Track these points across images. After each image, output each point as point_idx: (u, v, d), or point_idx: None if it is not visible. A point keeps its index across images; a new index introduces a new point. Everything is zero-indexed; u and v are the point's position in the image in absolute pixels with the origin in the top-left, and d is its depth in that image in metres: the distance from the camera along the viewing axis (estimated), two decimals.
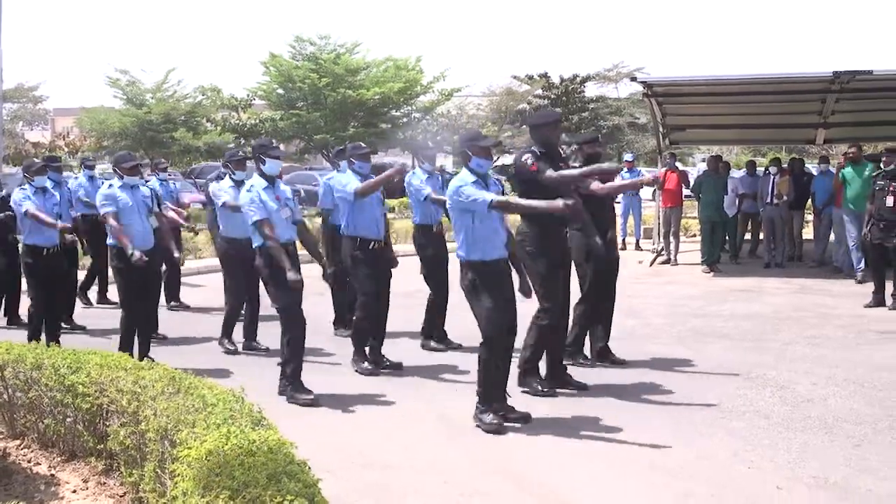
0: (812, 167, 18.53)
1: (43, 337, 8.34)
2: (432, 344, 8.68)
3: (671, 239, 15.73)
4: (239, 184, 8.55)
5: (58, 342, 7.98)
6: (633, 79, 19.06)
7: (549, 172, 6.63)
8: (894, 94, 15.47)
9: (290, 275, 6.73)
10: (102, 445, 4.87)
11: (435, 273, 8.58)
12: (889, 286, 10.74)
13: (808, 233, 16.60)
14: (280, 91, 32.09)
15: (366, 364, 7.82)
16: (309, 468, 3.30)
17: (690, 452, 5.56)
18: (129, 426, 4.44)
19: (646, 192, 21.02)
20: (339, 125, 30.69)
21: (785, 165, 16.50)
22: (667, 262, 15.63)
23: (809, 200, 15.78)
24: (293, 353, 6.91)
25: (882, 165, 11.07)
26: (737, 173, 20.31)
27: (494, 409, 6.12)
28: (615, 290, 8.02)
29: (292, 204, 7.18)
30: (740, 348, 8.58)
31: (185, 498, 3.26)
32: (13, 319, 10.18)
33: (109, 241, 7.98)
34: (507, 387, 6.31)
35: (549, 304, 6.81)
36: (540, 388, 6.98)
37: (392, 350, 8.15)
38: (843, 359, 8.03)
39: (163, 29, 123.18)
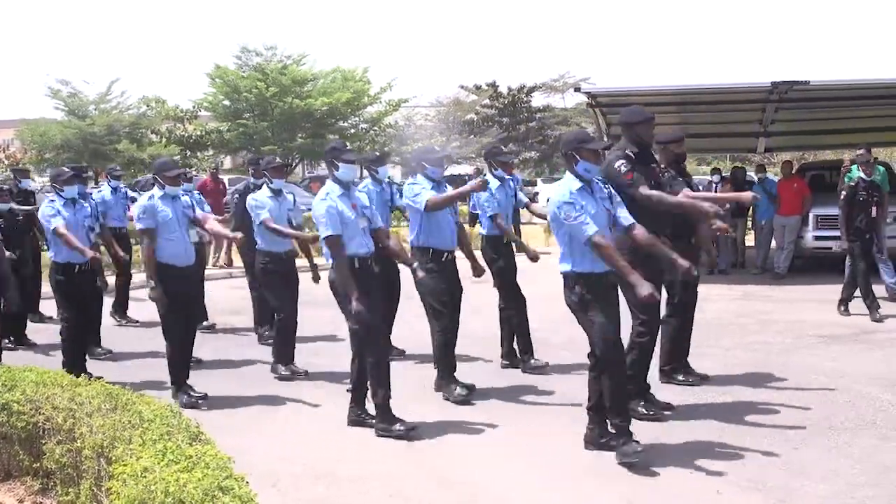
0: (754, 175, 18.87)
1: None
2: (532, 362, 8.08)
3: None
4: (277, 193, 8.26)
5: (84, 369, 7.65)
6: (578, 89, 19.29)
7: (644, 190, 6.10)
8: (831, 104, 15.84)
9: (355, 304, 6.04)
10: (38, 464, 4.78)
11: (509, 284, 8.06)
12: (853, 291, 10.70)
13: (750, 240, 16.88)
14: (226, 102, 31.93)
15: (458, 389, 7.15)
16: (247, 483, 3.28)
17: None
18: (65, 444, 4.37)
19: None
20: (287, 136, 30.61)
21: (727, 174, 16.78)
22: None
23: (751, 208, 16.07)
24: (378, 379, 6.20)
25: (864, 175, 10.80)
26: None
27: (633, 438, 5.55)
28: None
29: (370, 212, 6.63)
30: None
31: None
32: (21, 340, 9.71)
33: (53, 254, 7.77)
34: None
35: (648, 317, 6.43)
36: (644, 410, 6.48)
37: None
38: (781, 363, 8.17)
39: (105, 39, 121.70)
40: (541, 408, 6.96)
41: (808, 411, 6.64)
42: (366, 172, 8.23)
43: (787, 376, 7.69)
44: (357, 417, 6.43)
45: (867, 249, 10.64)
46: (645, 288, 5.37)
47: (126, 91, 40.37)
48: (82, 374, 7.41)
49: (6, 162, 40.66)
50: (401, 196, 7.76)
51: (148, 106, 34.47)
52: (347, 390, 6.58)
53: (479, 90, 42.14)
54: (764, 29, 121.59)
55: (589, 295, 5.55)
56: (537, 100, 43.60)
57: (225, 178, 31.85)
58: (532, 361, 8.01)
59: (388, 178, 8.70)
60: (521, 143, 39.24)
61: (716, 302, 11.99)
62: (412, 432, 6.13)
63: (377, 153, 9.73)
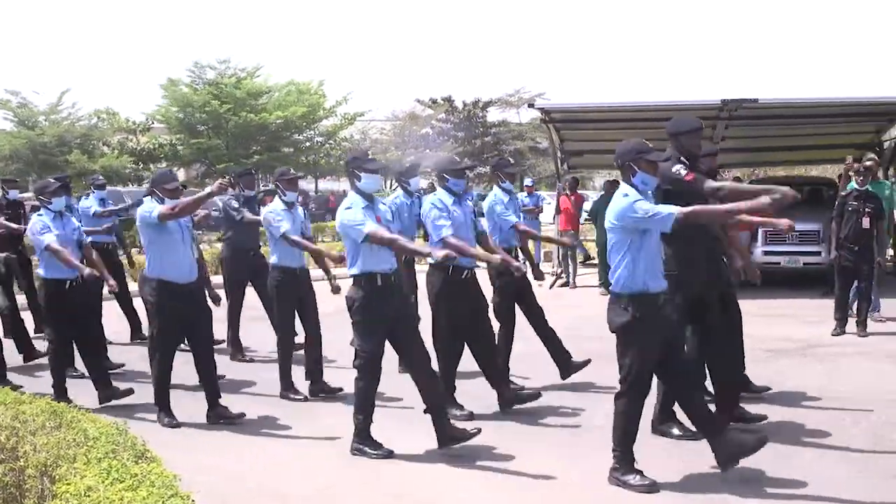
0: None
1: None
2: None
3: (569, 262, 16.00)
4: (290, 206, 7.88)
5: (109, 385, 7.54)
6: (531, 105, 19.46)
7: (712, 183, 5.80)
8: (780, 122, 16.16)
9: (438, 253, 5.97)
10: None
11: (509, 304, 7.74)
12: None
13: None
14: (180, 115, 31.66)
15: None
16: (193, 501, 3.25)
17: (575, 472, 5.66)
18: (8, 463, 4.29)
19: (546, 216, 21.33)
20: (241, 150, 30.42)
21: None
22: (565, 284, 15.88)
23: None
24: (363, 404, 6.13)
25: (857, 185, 10.36)
26: None
27: (635, 469, 5.40)
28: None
29: (393, 227, 6.39)
30: None
31: None
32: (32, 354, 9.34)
33: (43, 271, 7.54)
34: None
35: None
36: (677, 431, 6.39)
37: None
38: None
39: (57, 50, 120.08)
40: (500, 423, 6.96)
41: (750, 425, 6.72)
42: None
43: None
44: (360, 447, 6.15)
45: (849, 262, 10.18)
46: (763, 199, 4.96)
47: (77, 102, 39.95)
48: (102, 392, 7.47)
49: None
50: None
51: (99, 118, 34.04)
52: (425, 411, 6.24)
53: (434, 104, 42.30)
54: (715, 47, 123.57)
55: (641, 317, 5.28)
56: (493, 114, 43.91)
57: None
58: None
59: (420, 190, 8.58)
60: (477, 158, 39.35)
61: None
62: (389, 455, 6.02)
63: (407, 164, 9.54)
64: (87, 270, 7.37)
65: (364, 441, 6.10)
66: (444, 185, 6.98)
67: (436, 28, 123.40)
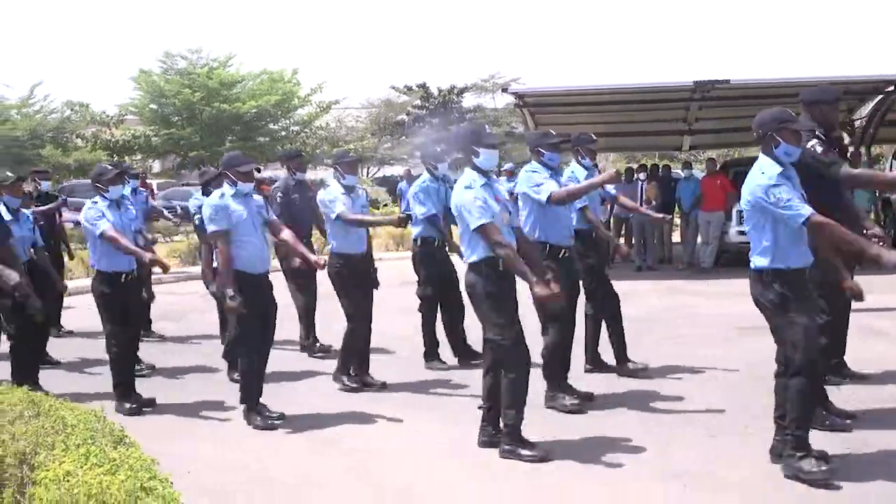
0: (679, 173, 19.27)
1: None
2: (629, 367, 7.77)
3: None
4: (350, 189, 7.60)
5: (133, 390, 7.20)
6: (505, 90, 19.51)
7: (847, 168, 5.49)
8: (751, 102, 16.26)
9: (538, 290, 5.44)
10: None
11: (601, 285, 7.69)
12: None
13: (676, 236, 17.26)
14: (153, 106, 31.44)
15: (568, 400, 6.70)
16: (171, 483, 3.29)
17: (557, 450, 5.72)
18: None
19: None
20: (215, 140, 30.25)
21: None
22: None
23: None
24: (513, 398, 5.63)
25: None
26: None
27: (814, 453, 5.09)
28: None
29: (511, 206, 5.86)
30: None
31: None
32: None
33: (96, 262, 7.16)
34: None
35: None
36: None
37: None
38: (703, 355, 8.37)
39: (26, 43, 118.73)
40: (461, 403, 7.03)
41: (727, 400, 6.84)
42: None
43: (709, 367, 7.91)
44: (491, 438, 5.79)
45: None
46: (875, 250, 4.83)
47: (49, 95, 39.25)
48: (133, 395, 7.13)
49: None
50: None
51: (72, 110, 33.74)
52: (479, 407, 6.00)
53: (409, 91, 42.22)
54: (686, 29, 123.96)
55: (790, 293, 5.08)
56: (468, 100, 43.87)
57: (154, 182, 31.46)
58: (630, 365, 7.73)
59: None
60: (452, 144, 39.35)
61: (644, 297, 12.22)
62: (544, 459, 5.54)
63: (439, 148, 9.21)
64: (147, 256, 7.09)
65: (515, 441, 5.62)
66: (539, 160, 6.79)
67: (409, 14, 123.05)
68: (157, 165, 41.24)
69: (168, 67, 31.52)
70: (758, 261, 5.16)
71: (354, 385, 7.55)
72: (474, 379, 7.20)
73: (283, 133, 33.56)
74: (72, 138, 34.79)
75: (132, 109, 32.25)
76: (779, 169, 5.02)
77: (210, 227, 6.56)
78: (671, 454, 5.64)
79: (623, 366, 7.73)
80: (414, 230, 8.40)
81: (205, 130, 30.30)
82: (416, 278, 8.45)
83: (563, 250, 6.75)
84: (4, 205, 7.88)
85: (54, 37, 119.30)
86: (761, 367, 7.73)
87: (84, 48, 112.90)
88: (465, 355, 8.30)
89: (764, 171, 5.06)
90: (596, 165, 8.18)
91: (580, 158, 7.76)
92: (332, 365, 7.94)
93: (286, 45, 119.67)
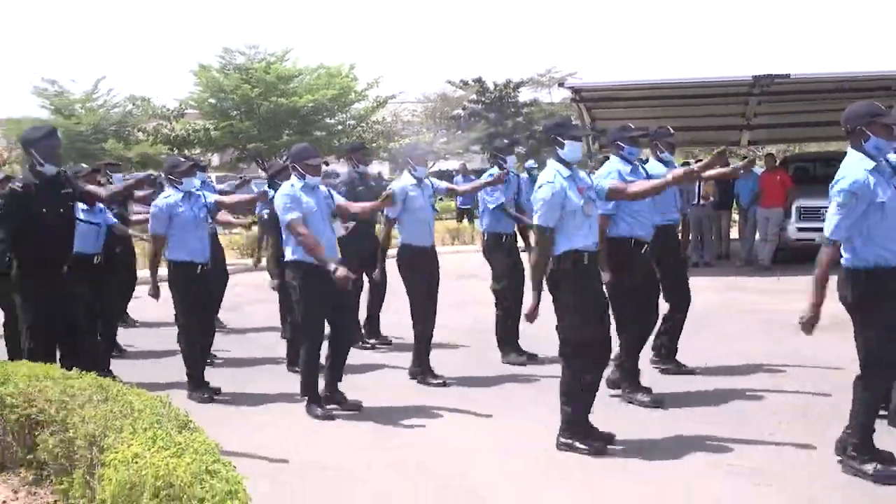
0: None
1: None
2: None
3: None
4: (420, 181, 7.65)
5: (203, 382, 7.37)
6: (561, 84, 19.44)
7: None
8: (812, 97, 16.04)
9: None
10: (32, 455, 4.86)
11: (679, 286, 7.61)
12: None
13: (735, 232, 17.06)
14: (212, 101, 31.91)
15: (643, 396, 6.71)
16: (234, 467, 3.38)
17: (617, 445, 5.74)
18: (58, 434, 4.46)
19: None
20: (273, 134, 30.59)
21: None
22: None
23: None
24: (572, 393, 5.65)
25: None
26: None
27: (878, 456, 5.00)
28: None
29: (594, 195, 5.86)
30: None
31: (112, 500, 3.32)
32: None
33: (170, 252, 7.25)
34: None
35: None
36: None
37: None
38: (763, 352, 8.30)
39: (91, 38, 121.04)
40: (524, 398, 7.07)
41: (786, 398, 6.78)
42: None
43: (769, 364, 7.85)
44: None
45: None
46: None
47: (113, 89, 39.95)
48: (206, 388, 7.29)
49: None
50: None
51: (134, 104, 34.36)
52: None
53: (465, 86, 42.22)
54: (749, 22, 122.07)
55: (881, 293, 4.89)
56: (524, 94, 43.71)
57: (212, 175, 31.92)
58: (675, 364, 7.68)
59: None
60: (509, 138, 39.26)
61: (701, 293, 12.10)
62: (603, 450, 5.58)
63: (505, 142, 9.21)
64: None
65: (575, 435, 5.64)
66: (619, 154, 6.79)
67: (465, 8, 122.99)
68: (215, 159, 41.82)
69: (227, 63, 31.95)
70: (848, 258, 5.07)
71: (439, 381, 7.52)
72: (539, 373, 7.27)
73: (340, 127, 33.77)
74: (133, 132, 35.41)
75: (192, 104, 32.76)
76: (871, 164, 4.85)
77: (288, 217, 6.52)
78: (739, 452, 5.60)
79: (670, 362, 7.70)
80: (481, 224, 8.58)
81: (262, 124, 30.66)
82: (474, 273, 8.48)
83: (645, 245, 6.74)
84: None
85: (117, 32, 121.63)
86: (821, 364, 7.70)
87: (146, 43, 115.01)
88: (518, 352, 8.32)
89: (855, 167, 4.87)
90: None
91: (659, 152, 7.69)
92: (395, 358, 8.04)
93: (343, 40, 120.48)
